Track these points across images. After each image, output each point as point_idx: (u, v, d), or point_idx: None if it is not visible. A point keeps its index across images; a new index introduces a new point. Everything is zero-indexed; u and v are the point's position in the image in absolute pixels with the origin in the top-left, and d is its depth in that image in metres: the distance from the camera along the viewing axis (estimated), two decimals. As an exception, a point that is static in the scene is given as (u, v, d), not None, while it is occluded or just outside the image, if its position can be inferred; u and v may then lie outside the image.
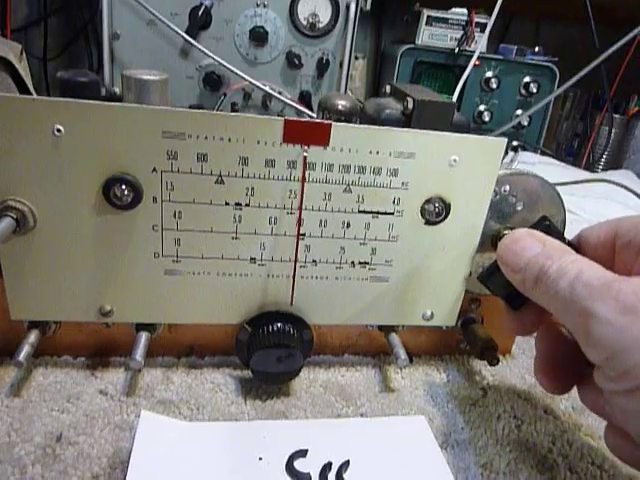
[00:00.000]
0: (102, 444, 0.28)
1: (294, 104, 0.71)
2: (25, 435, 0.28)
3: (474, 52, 0.79)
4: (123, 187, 0.28)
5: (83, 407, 0.30)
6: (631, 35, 0.71)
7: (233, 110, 0.75)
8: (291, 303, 0.33)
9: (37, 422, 0.28)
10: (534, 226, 0.29)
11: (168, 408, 0.31)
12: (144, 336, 0.31)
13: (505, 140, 0.31)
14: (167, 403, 0.31)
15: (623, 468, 0.30)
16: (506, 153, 0.88)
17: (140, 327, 0.32)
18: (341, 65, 0.78)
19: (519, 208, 0.33)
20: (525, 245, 0.26)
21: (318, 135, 0.29)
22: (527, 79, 0.88)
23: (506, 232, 0.33)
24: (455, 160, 0.30)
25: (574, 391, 0.28)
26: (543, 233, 0.27)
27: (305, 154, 0.29)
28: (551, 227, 0.28)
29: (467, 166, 0.31)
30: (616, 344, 0.21)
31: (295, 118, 0.29)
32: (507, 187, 0.33)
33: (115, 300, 0.31)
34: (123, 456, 0.27)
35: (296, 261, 0.32)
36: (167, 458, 0.26)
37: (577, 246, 0.28)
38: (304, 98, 0.78)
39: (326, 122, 0.29)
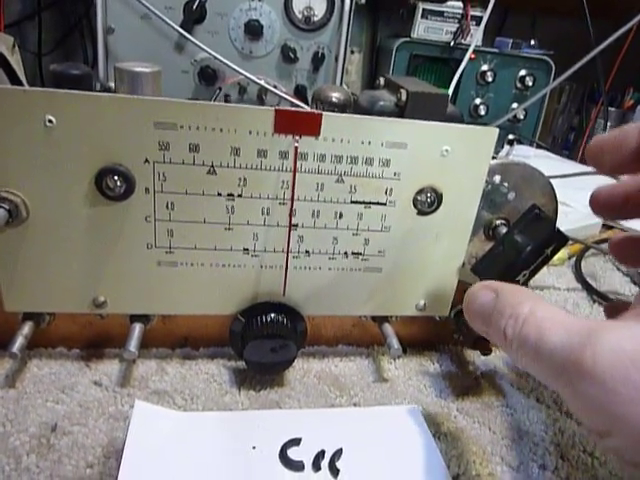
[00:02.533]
0: (96, 434, 0.28)
1: (289, 98, 0.70)
2: (20, 425, 0.28)
3: (470, 45, 0.79)
4: (115, 178, 0.28)
5: (77, 398, 0.30)
6: (626, 28, 0.71)
7: (226, 102, 0.75)
8: (283, 294, 0.33)
9: (32, 413, 0.29)
10: (524, 215, 0.29)
11: (162, 398, 0.31)
12: (138, 327, 0.32)
13: (497, 130, 0.31)
14: (161, 393, 0.31)
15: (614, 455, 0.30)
16: (502, 146, 0.88)
17: (134, 318, 0.32)
18: (337, 59, 0.78)
19: (511, 198, 0.33)
20: (479, 302, 0.23)
21: (309, 125, 0.29)
22: (523, 72, 0.87)
23: (498, 222, 0.34)
24: (447, 150, 0.30)
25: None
26: (530, 225, 0.26)
27: (296, 144, 0.29)
28: (541, 215, 0.29)
29: (459, 156, 0.31)
30: (608, 424, 0.18)
31: (286, 108, 0.29)
32: (498, 177, 0.33)
33: (109, 291, 0.31)
34: (117, 445, 0.27)
35: (288, 252, 0.32)
36: (161, 447, 0.27)
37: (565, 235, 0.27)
38: (299, 92, 0.78)
39: (317, 112, 0.29)
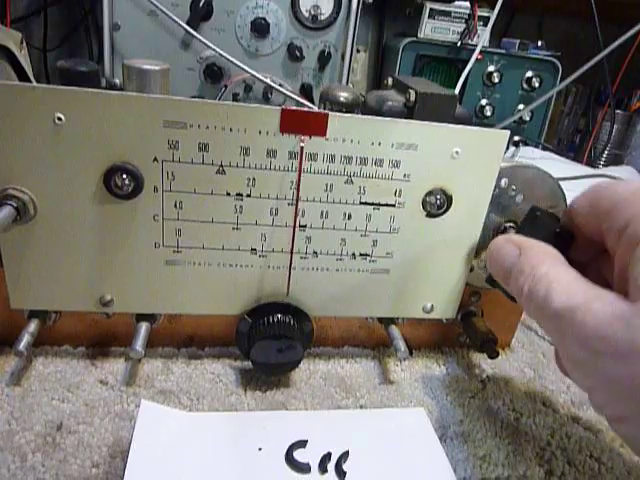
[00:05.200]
0: (102, 433, 0.28)
1: (295, 96, 0.70)
2: (25, 424, 0.28)
3: (476, 46, 0.79)
4: (124, 176, 0.27)
5: (83, 396, 0.30)
6: (634, 30, 0.70)
7: (234, 100, 0.75)
8: (290, 294, 0.33)
9: (37, 411, 0.28)
10: (525, 217, 0.29)
11: (168, 398, 0.31)
12: (144, 326, 0.31)
13: (508, 132, 0.31)
14: (167, 393, 0.31)
15: (621, 461, 0.30)
16: (507, 148, 0.88)
17: (140, 317, 0.32)
18: (343, 58, 0.78)
19: (519, 201, 0.33)
20: (503, 253, 0.25)
21: (315, 125, 0.28)
22: (529, 74, 0.87)
23: (507, 225, 0.33)
24: (457, 152, 0.30)
25: (573, 385, 0.28)
26: (531, 227, 0.26)
27: (302, 144, 0.29)
28: (541, 217, 0.28)
29: (469, 158, 0.31)
30: (592, 380, 0.21)
31: (292, 107, 0.29)
32: (507, 180, 0.33)
33: (115, 290, 0.31)
34: (123, 445, 0.27)
35: (292, 252, 0.32)
36: (167, 448, 0.26)
37: (570, 231, 0.27)
38: (305, 91, 0.78)
39: (323, 112, 0.28)
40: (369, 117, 0.29)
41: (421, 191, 0.31)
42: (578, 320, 0.20)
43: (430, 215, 0.32)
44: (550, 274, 0.22)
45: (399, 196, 0.31)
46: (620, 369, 0.19)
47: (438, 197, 0.31)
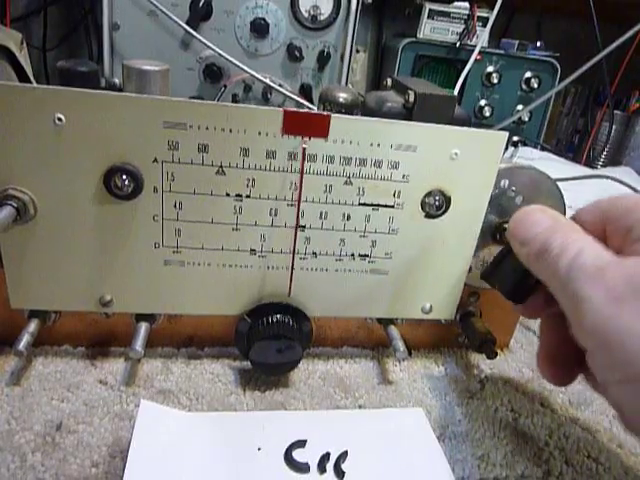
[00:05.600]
0: (102, 433, 0.28)
1: (294, 97, 0.70)
2: (25, 423, 0.28)
3: (475, 46, 0.79)
4: (124, 177, 0.28)
5: (83, 396, 0.30)
6: (633, 31, 0.70)
7: (234, 101, 0.75)
8: (289, 294, 0.33)
9: (37, 411, 0.29)
10: None
11: (167, 398, 0.31)
12: (144, 326, 0.32)
13: (506, 134, 0.31)
14: (166, 393, 0.31)
15: (619, 461, 0.30)
16: (506, 148, 0.88)
17: (140, 317, 0.32)
18: (342, 58, 0.78)
19: (518, 202, 0.33)
20: (535, 219, 0.26)
21: (317, 126, 0.29)
22: (528, 74, 0.87)
23: (506, 226, 0.33)
24: (456, 153, 0.30)
25: (571, 385, 0.29)
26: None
27: (304, 145, 0.29)
28: None
29: (468, 160, 0.31)
30: (605, 334, 0.21)
31: (295, 109, 0.29)
32: (506, 181, 0.33)
33: (115, 290, 0.31)
34: (123, 445, 0.27)
35: (294, 253, 0.32)
36: (166, 447, 0.26)
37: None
38: (304, 91, 0.78)
39: (325, 113, 0.29)
40: (369, 118, 0.30)
41: (420, 192, 0.31)
42: (609, 272, 0.21)
43: (429, 216, 0.32)
44: (583, 240, 0.23)
45: (398, 197, 0.31)
46: None
47: (437, 198, 0.31)
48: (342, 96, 0.41)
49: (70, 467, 0.26)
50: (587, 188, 0.69)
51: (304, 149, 0.29)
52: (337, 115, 0.29)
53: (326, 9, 0.75)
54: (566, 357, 0.27)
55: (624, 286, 0.20)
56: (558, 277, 0.23)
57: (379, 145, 0.30)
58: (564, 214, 0.34)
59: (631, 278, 0.20)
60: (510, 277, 0.28)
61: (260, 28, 0.73)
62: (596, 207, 0.26)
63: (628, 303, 0.20)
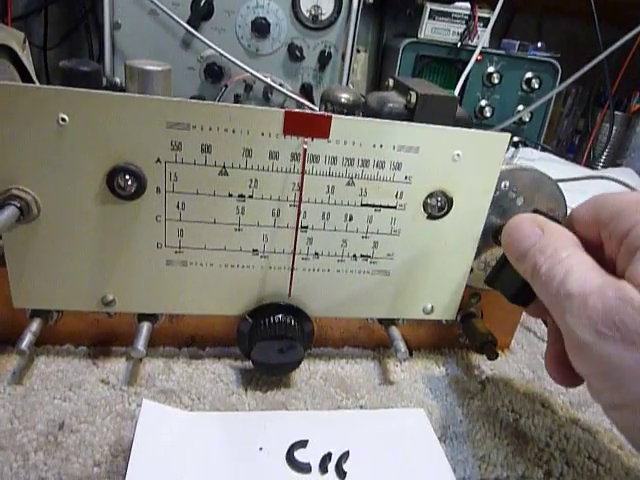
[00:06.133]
0: (104, 432, 0.28)
1: (295, 96, 0.70)
2: (27, 422, 0.28)
3: (476, 47, 0.79)
4: (127, 177, 0.28)
5: (85, 396, 0.30)
6: (634, 32, 0.71)
7: (236, 102, 0.75)
8: (291, 295, 0.33)
9: (39, 410, 0.29)
10: None
11: (169, 398, 0.31)
12: (146, 326, 0.32)
13: (509, 135, 0.31)
14: (168, 393, 0.31)
15: (619, 462, 0.30)
16: (507, 149, 0.88)
17: (142, 317, 0.32)
18: (343, 58, 0.78)
19: (520, 203, 0.33)
20: (525, 233, 0.25)
21: (318, 127, 0.29)
22: (529, 75, 0.87)
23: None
24: (458, 155, 0.30)
25: (572, 386, 0.29)
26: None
27: (305, 146, 0.29)
28: None
29: (470, 161, 0.31)
30: (594, 365, 0.21)
31: (296, 110, 0.29)
32: (507, 182, 0.33)
33: (117, 290, 0.31)
34: (125, 444, 0.27)
35: (294, 253, 0.32)
36: (168, 447, 0.27)
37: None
38: (305, 91, 0.78)
39: (327, 114, 0.29)
40: (371, 119, 0.30)
41: (422, 193, 0.31)
42: (591, 304, 0.21)
43: (431, 217, 0.32)
44: (571, 258, 0.23)
45: (400, 198, 0.31)
46: (626, 355, 0.20)
47: (439, 199, 0.31)
48: (344, 96, 0.41)
49: (72, 466, 0.26)
50: (588, 189, 0.69)
51: (305, 150, 0.29)
52: (338, 116, 0.29)
53: (327, 9, 0.75)
54: None
55: (604, 320, 0.20)
56: (550, 302, 0.23)
57: (382, 146, 0.30)
58: (565, 215, 0.35)
59: (609, 312, 0.20)
60: (512, 282, 0.28)
61: (261, 28, 0.73)
62: (589, 207, 0.26)
63: (609, 337, 0.20)
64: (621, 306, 0.20)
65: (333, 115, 0.29)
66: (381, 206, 0.31)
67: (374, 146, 0.30)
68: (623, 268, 0.22)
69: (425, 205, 0.32)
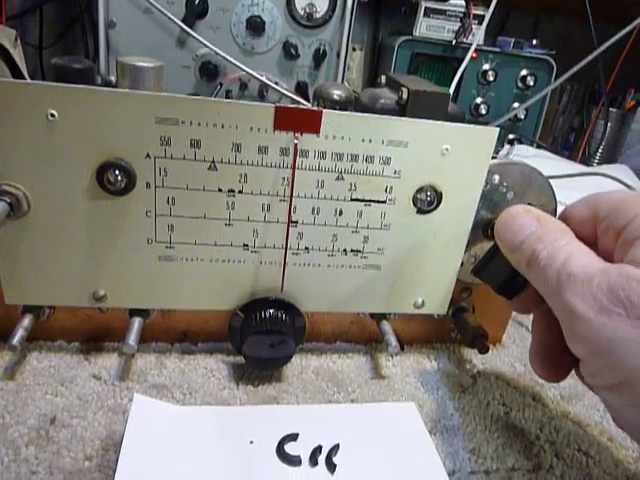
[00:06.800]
0: (95, 427, 0.28)
1: (290, 94, 0.71)
2: (19, 417, 0.28)
3: (471, 44, 0.79)
4: (116, 173, 0.28)
5: (77, 391, 0.30)
6: (628, 29, 0.71)
7: (227, 98, 0.75)
8: (282, 290, 0.33)
9: (31, 405, 0.29)
10: None
11: (161, 392, 0.31)
12: (137, 321, 0.32)
13: (497, 129, 0.31)
14: (160, 387, 0.31)
15: (609, 454, 0.31)
16: (502, 146, 0.88)
17: (133, 312, 0.32)
18: (338, 56, 0.78)
19: (510, 198, 0.34)
20: (521, 223, 0.26)
21: (309, 122, 0.29)
22: (524, 72, 0.88)
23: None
24: (447, 149, 0.31)
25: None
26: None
27: (296, 141, 0.29)
28: None
29: (459, 155, 0.31)
30: (594, 343, 0.21)
31: (286, 105, 0.29)
32: (497, 177, 0.33)
33: (109, 285, 0.31)
34: (116, 438, 0.27)
35: (287, 248, 0.32)
36: (159, 441, 0.27)
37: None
38: (301, 89, 0.78)
39: (317, 109, 0.29)
40: (360, 114, 0.30)
41: (411, 188, 0.31)
42: (595, 282, 0.21)
43: (420, 211, 0.32)
44: (570, 246, 0.24)
45: (390, 192, 0.31)
46: (630, 330, 0.20)
47: (428, 194, 0.31)
48: (336, 93, 0.41)
49: (63, 460, 0.26)
50: (582, 185, 0.69)
51: (296, 145, 0.29)
52: (328, 111, 0.29)
53: (322, 7, 0.75)
54: (558, 353, 0.27)
55: (609, 297, 0.21)
56: (549, 286, 0.23)
57: (370, 141, 0.30)
58: (556, 210, 0.35)
59: (614, 288, 0.21)
60: (500, 274, 0.28)
61: (256, 26, 0.73)
62: (585, 204, 0.26)
63: (613, 314, 0.21)
64: (626, 283, 0.21)
65: (324, 110, 0.29)
66: (371, 201, 0.31)
67: (363, 141, 0.30)
68: (620, 259, 0.23)
69: (415, 200, 0.32)
